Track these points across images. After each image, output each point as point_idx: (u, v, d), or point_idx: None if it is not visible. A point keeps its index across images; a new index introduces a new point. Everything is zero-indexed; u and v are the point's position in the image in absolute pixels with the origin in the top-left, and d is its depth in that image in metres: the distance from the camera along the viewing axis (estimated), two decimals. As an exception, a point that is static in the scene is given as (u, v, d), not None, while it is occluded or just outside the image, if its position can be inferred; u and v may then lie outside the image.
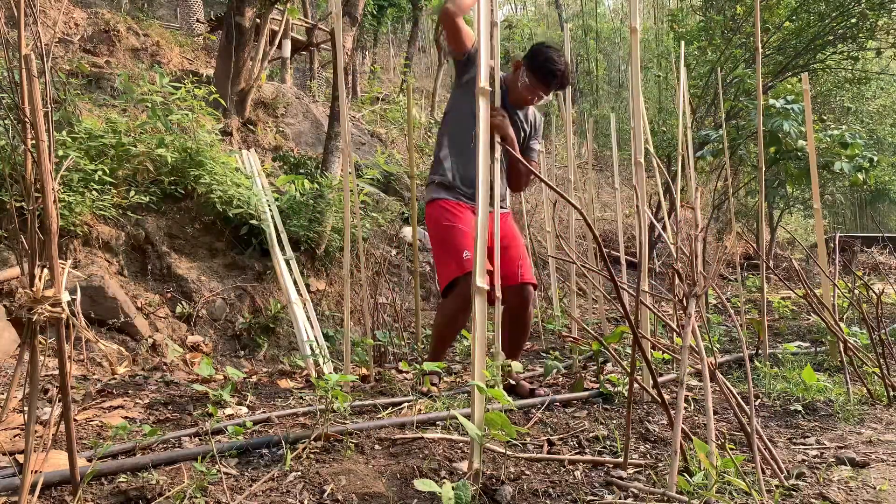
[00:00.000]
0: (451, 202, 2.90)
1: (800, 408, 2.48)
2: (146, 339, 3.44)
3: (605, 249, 1.69)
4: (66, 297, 1.32)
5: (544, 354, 4.01)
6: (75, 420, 2.22)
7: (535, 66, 2.85)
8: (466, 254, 2.72)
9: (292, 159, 5.75)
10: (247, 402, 2.61)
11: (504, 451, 1.89)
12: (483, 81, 1.83)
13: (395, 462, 1.85)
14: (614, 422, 2.33)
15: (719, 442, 1.97)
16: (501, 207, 2.86)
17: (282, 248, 4.04)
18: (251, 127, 6.79)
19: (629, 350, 3.16)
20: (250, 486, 1.67)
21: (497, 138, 2.60)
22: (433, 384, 2.91)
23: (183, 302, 3.83)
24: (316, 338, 3.50)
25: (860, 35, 7.25)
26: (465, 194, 2.91)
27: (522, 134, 3.01)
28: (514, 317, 2.89)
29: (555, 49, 2.90)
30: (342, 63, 3.10)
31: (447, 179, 2.93)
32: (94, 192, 3.65)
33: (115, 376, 3.00)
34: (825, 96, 9.89)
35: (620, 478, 1.73)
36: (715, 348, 3.79)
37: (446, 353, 3.01)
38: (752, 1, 6.12)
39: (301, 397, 2.74)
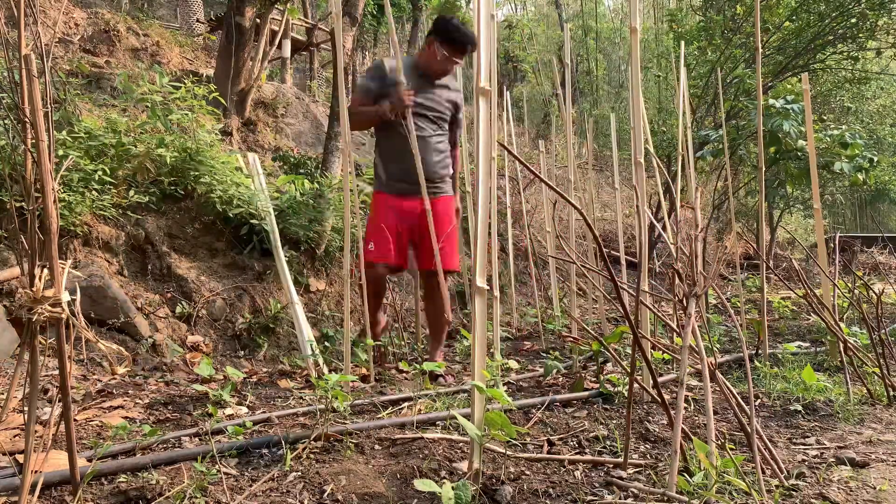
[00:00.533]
0: (386, 195, 3.36)
1: (800, 408, 2.48)
2: (146, 339, 3.44)
3: (605, 249, 1.69)
4: (66, 297, 1.32)
5: (544, 354, 4.01)
6: (75, 420, 2.22)
7: (448, 38, 3.19)
8: (371, 245, 3.27)
9: (292, 159, 5.75)
10: (247, 402, 2.61)
11: (504, 451, 1.89)
12: (483, 81, 1.83)
13: (395, 462, 1.85)
14: (614, 422, 2.33)
15: (719, 442, 1.97)
16: (435, 193, 3.33)
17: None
18: (251, 127, 6.79)
19: (629, 350, 3.16)
20: (250, 486, 1.67)
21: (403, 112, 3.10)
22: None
23: (183, 302, 3.83)
24: (311, 341, 3.50)
25: (860, 35, 7.24)
26: (400, 187, 3.33)
27: (446, 105, 3.37)
28: (424, 298, 3.59)
29: (455, 18, 3.27)
30: (342, 63, 3.10)
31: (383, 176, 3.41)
32: (94, 192, 3.65)
33: (115, 376, 3.00)
34: (825, 96, 9.89)
35: (620, 478, 1.73)
36: (715, 348, 3.79)
37: (375, 326, 3.40)
38: (752, 1, 6.12)
39: (301, 397, 2.74)
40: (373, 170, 3.58)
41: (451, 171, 3.49)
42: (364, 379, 3.12)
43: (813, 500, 1.59)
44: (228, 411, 2.43)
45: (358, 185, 4.73)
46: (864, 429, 2.26)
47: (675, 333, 2.89)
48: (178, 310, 3.78)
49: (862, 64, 8.46)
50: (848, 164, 5.85)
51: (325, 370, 3.20)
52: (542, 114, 16.14)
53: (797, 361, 3.36)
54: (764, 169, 3.74)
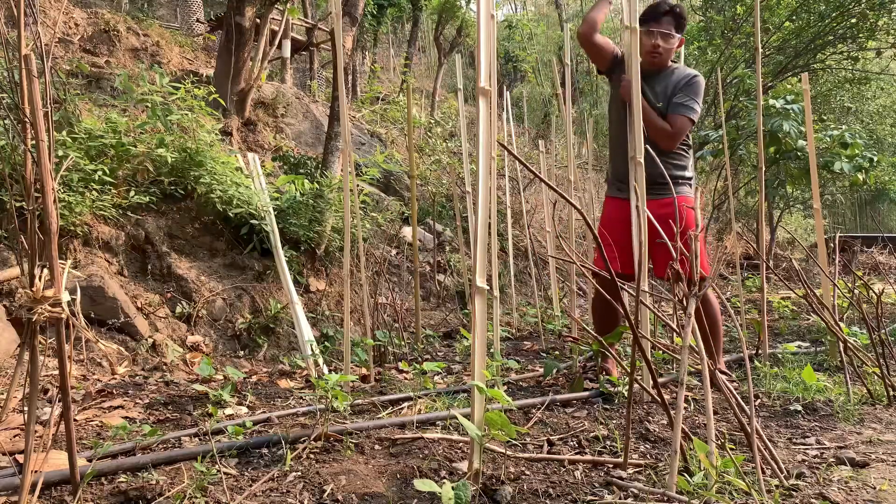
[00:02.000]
0: (607, 199, 3.19)
1: (800, 408, 2.48)
2: (146, 339, 3.44)
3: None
4: (66, 297, 1.32)
5: (544, 354, 4.01)
6: (75, 420, 2.22)
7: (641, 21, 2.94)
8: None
9: (292, 159, 5.75)
10: (247, 402, 2.61)
11: (504, 451, 1.89)
12: (483, 81, 1.82)
13: (395, 462, 1.85)
14: (614, 422, 2.33)
15: (719, 442, 1.97)
16: (653, 194, 2.86)
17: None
18: (251, 127, 6.79)
19: (629, 350, 3.16)
20: (250, 486, 1.67)
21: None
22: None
23: (183, 302, 3.83)
24: (311, 341, 3.50)
25: (860, 35, 7.25)
26: (617, 188, 3.11)
27: (660, 97, 2.97)
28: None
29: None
30: (342, 63, 3.10)
31: (607, 176, 3.24)
32: (94, 192, 3.65)
33: (115, 376, 3.00)
34: (825, 96, 9.88)
35: (620, 478, 1.73)
36: (715, 348, 3.78)
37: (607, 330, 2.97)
38: (752, 1, 6.12)
39: (301, 397, 2.74)
40: None
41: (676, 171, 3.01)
42: (364, 379, 3.12)
43: (813, 500, 1.59)
44: (228, 411, 2.43)
45: (358, 185, 4.73)
46: (864, 429, 2.26)
47: (675, 333, 2.89)
48: (178, 310, 3.78)
49: (862, 64, 8.46)
50: (848, 164, 5.86)
51: (325, 370, 3.20)
52: (542, 114, 16.15)
53: (797, 361, 3.36)
54: (764, 169, 3.74)
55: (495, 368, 2.72)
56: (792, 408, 2.49)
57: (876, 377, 2.77)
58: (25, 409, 1.70)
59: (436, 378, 3.17)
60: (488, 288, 1.93)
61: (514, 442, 2.02)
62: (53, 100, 3.80)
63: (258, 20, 6.46)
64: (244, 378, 3.09)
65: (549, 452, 1.99)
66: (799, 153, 5.84)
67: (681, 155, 3.05)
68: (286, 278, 3.65)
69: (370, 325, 3.53)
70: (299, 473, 1.74)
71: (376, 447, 2.00)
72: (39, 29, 1.31)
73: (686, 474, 1.66)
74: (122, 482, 1.65)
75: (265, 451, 1.95)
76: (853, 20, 7.07)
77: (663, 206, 2.91)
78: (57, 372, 2.12)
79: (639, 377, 2.35)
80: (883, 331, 2.87)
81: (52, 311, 1.30)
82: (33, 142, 1.28)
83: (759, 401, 2.62)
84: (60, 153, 3.56)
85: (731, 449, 1.90)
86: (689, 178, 3.10)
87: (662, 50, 2.93)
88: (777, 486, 1.66)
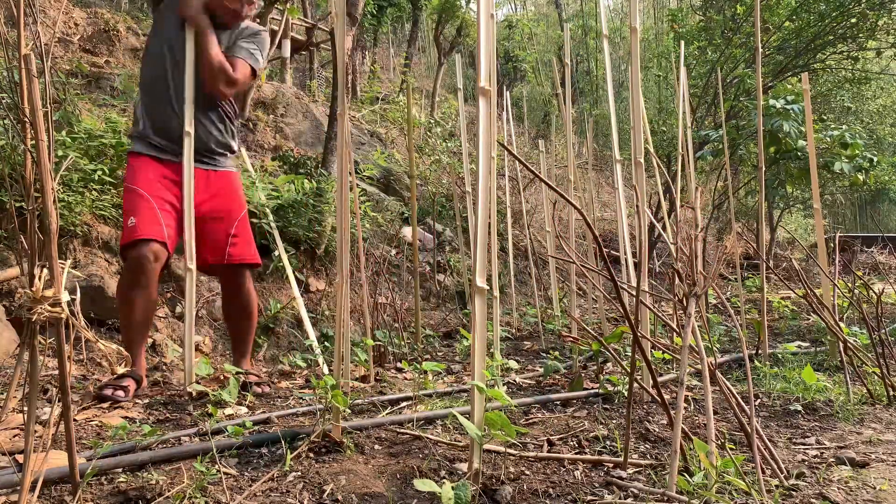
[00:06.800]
0: (140, 158, 2.65)
1: (800, 408, 2.48)
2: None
3: (605, 249, 1.69)
4: (65, 297, 1.32)
5: (544, 354, 4.01)
6: (75, 420, 2.22)
7: None
8: (132, 220, 2.51)
9: (292, 159, 5.75)
10: (246, 402, 2.61)
11: (504, 450, 1.89)
12: (483, 81, 1.82)
13: (395, 462, 1.85)
14: (614, 422, 2.33)
15: (719, 442, 1.97)
16: (210, 164, 2.76)
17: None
18: (251, 127, 6.79)
19: (629, 350, 3.16)
20: (250, 485, 1.66)
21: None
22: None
23: (182, 302, 3.83)
24: (312, 341, 3.50)
25: (860, 35, 7.25)
26: (158, 146, 2.66)
27: (222, 45, 2.71)
28: (226, 301, 2.91)
29: None
30: (342, 63, 3.09)
31: (138, 129, 2.69)
32: (93, 192, 3.65)
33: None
34: (825, 96, 9.88)
35: (620, 478, 1.73)
36: (715, 348, 3.79)
37: (136, 340, 2.60)
38: (752, 1, 6.12)
39: (301, 397, 2.74)
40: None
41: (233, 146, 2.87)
42: (363, 379, 3.12)
43: (813, 500, 1.59)
44: (228, 411, 2.43)
45: (358, 185, 4.73)
46: (864, 429, 2.26)
47: (675, 333, 2.89)
48: (178, 310, 3.78)
49: (862, 64, 8.46)
50: (848, 164, 5.86)
51: (326, 370, 3.20)
52: (542, 114, 16.16)
53: (797, 361, 3.36)
54: (764, 169, 3.74)
55: (495, 368, 2.72)
56: (792, 408, 2.49)
57: (876, 377, 2.77)
58: (25, 408, 1.70)
59: (434, 378, 3.17)
60: (488, 288, 1.93)
61: (513, 442, 2.02)
62: (53, 100, 3.80)
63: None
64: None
65: (549, 452, 1.99)
66: (799, 153, 5.84)
67: (232, 120, 2.86)
68: (290, 277, 3.65)
69: (370, 325, 3.53)
70: (299, 473, 1.74)
71: (376, 447, 2.00)
72: (39, 29, 1.31)
73: (686, 474, 1.66)
74: (122, 482, 1.65)
75: (265, 450, 1.95)
76: (853, 20, 7.07)
77: (221, 179, 2.80)
78: (57, 372, 2.12)
79: (639, 377, 2.35)
80: (883, 331, 2.87)
81: (51, 311, 1.29)
82: (33, 142, 1.28)
83: (759, 401, 2.62)
84: (60, 153, 3.56)
85: (731, 449, 1.90)
86: (235, 154, 2.92)
87: (245, 13, 2.76)
88: (777, 486, 1.65)
